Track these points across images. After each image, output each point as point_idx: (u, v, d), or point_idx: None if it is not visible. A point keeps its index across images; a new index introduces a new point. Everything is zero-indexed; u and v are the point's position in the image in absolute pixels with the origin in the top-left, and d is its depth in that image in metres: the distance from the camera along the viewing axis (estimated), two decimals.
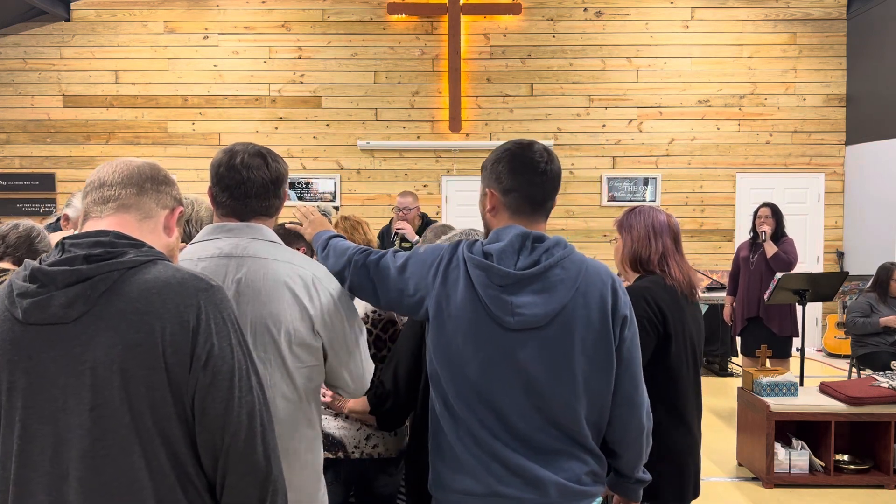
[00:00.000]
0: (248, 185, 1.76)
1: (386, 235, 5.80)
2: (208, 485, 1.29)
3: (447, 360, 1.72)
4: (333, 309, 1.78)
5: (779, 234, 5.62)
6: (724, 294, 7.25)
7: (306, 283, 1.74)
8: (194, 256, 1.72)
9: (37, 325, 1.24)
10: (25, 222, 2.41)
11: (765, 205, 5.71)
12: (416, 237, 5.03)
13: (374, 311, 2.44)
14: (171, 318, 1.24)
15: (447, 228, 2.77)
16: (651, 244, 2.52)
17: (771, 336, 5.52)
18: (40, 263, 1.28)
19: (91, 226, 1.34)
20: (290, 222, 2.32)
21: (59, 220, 3.41)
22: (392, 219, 5.71)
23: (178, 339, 1.24)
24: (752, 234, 5.79)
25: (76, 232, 1.36)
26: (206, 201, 2.31)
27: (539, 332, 1.68)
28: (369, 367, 1.91)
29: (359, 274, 1.86)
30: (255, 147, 1.81)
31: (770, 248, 5.53)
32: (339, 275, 1.92)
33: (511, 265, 1.69)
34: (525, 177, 1.75)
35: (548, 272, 1.69)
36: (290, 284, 1.71)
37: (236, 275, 1.68)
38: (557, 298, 1.68)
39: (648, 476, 1.94)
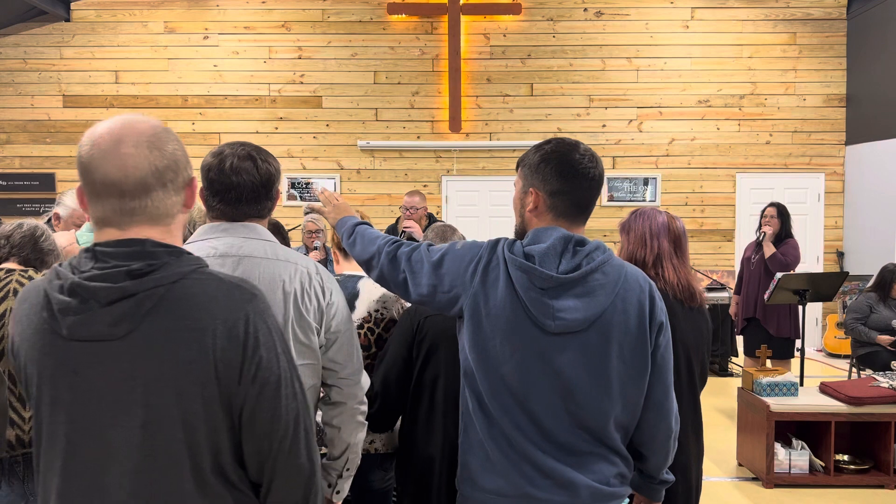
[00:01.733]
0: (240, 190, 1.75)
1: (392, 234, 5.82)
2: (250, 486, 1.31)
3: (483, 359, 1.71)
4: (330, 306, 1.78)
5: (783, 235, 5.62)
6: (723, 294, 7.38)
7: (303, 280, 1.74)
8: None
9: (81, 341, 1.21)
10: (29, 221, 2.40)
11: (771, 204, 5.71)
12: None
13: (376, 311, 2.44)
14: (222, 333, 1.22)
15: (448, 229, 2.77)
16: (646, 246, 2.50)
17: (769, 337, 5.53)
18: (74, 273, 1.23)
19: (113, 235, 1.27)
20: (311, 205, 2.31)
21: (49, 220, 3.39)
22: (399, 217, 5.72)
23: (229, 353, 1.23)
24: (757, 233, 5.81)
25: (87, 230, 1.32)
26: (199, 202, 2.31)
27: (578, 337, 1.67)
28: (364, 373, 1.91)
29: (390, 265, 1.85)
30: (245, 149, 1.78)
31: (768, 249, 5.54)
32: (367, 263, 1.92)
33: (553, 268, 1.67)
34: (574, 181, 1.73)
35: (589, 277, 1.68)
36: (287, 283, 1.71)
37: (232, 274, 1.67)
38: (598, 303, 1.67)
39: (672, 477, 1.93)
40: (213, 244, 1.73)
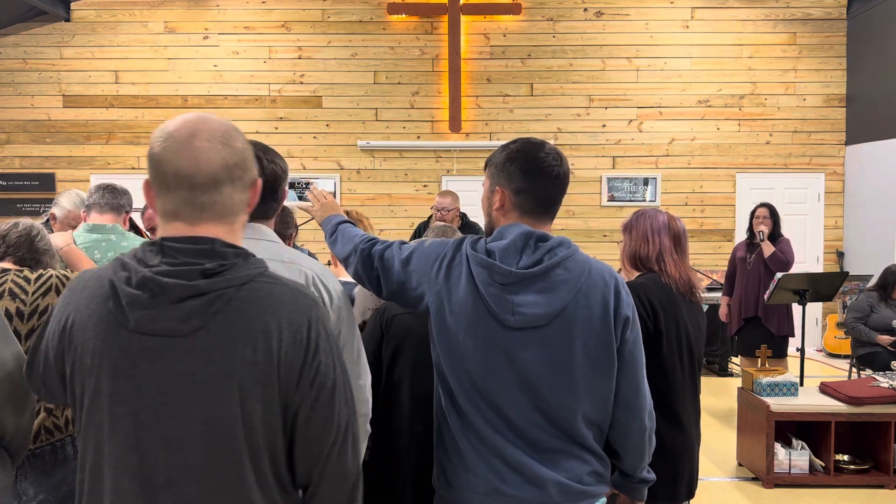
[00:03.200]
0: None
1: (421, 232, 5.79)
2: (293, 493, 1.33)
3: (449, 355, 1.72)
4: (336, 308, 1.76)
5: (775, 235, 5.65)
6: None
7: (307, 282, 1.73)
8: None
9: (147, 335, 1.23)
10: (24, 221, 2.39)
11: (763, 205, 5.74)
12: None
13: (371, 311, 2.43)
14: (287, 337, 1.25)
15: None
16: (649, 242, 2.61)
17: (769, 336, 5.54)
18: (142, 266, 1.24)
19: (181, 229, 1.28)
20: (300, 205, 2.32)
21: (48, 220, 3.39)
22: (430, 216, 5.69)
23: (292, 357, 1.25)
24: (748, 234, 5.82)
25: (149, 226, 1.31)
26: None
27: (539, 332, 1.68)
28: (367, 375, 1.89)
29: (364, 263, 1.88)
30: (253, 150, 1.77)
31: (767, 248, 5.55)
32: (345, 261, 1.95)
33: (513, 264, 1.69)
34: (538, 179, 1.75)
35: (550, 272, 1.69)
36: None
37: None
38: (559, 298, 1.68)
39: (653, 476, 1.93)
40: None
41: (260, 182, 1.38)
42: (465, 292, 1.70)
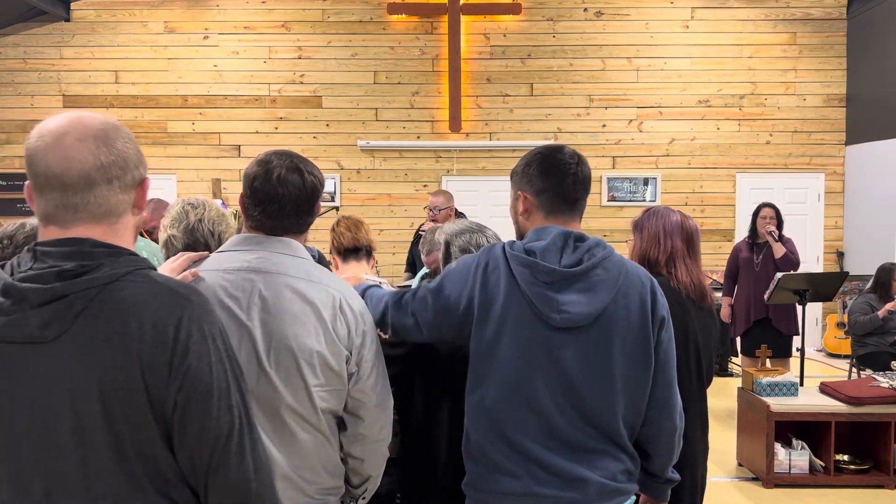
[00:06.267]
0: (284, 202, 1.70)
1: (419, 234, 5.81)
2: (196, 499, 1.27)
3: (489, 361, 1.72)
4: (363, 335, 1.74)
5: (780, 235, 5.63)
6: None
7: (335, 304, 1.69)
8: (220, 267, 1.68)
9: (13, 343, 1.18)
10: (31, 221, 2.36)
11: (767, 205, 5.70)
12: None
13: None
14: (149, 339, 1.18)
15: (476, 232, 2.70)
16: (660, 245, 2.52)
17: (778, 336, 5.53)
18: (12, 274, 1.20)
19: (55, 233, 1.24)
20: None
21: None
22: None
23: (157, 359, 1.18)
24: (750, 233, 5.77)
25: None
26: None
27: (581, 332, 1.69)
28: (389, 398, 1.86)
29: (398, 314, 1.87)
30: (292, 161, 1.74)
31: (779, 249, 5.51)
32: (381, 321, 1.93)
33: (555, 263, 1.69)
34: (556, 177, 1.77)
35: (590, 272, 1.70)
36: (318, 305, 1.66)
37: (263, 291, 1.64)
38: (600, 298, 1.69)
39: (677, 476, 1.93)
40: (245, 257, 1.69)
41: (148, 181, 1.32)
42: (507, 294, 1.70)
